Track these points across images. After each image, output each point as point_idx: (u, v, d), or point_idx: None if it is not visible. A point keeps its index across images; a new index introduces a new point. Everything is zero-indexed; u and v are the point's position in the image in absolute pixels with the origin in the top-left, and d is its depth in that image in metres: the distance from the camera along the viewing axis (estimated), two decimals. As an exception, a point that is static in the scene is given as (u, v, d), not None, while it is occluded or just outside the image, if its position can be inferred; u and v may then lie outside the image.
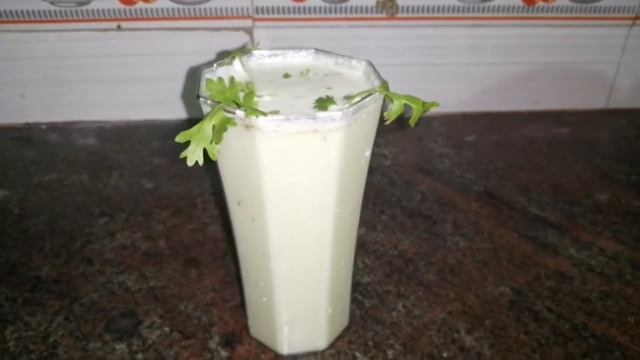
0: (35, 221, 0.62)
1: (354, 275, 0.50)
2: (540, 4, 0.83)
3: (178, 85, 0.83)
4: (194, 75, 0.82)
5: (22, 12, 0.76)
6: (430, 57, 0.85)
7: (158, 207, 0.65)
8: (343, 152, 0.35)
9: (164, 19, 0.78)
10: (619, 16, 0.85)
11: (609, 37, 0.87)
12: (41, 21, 0.77)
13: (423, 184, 0.71)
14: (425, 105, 0.35)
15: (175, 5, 0.77)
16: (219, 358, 0.46)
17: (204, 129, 0.32)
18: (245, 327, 0.49)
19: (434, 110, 0.37)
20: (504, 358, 0.47)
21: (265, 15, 0.79)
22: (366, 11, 0.80)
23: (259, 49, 0.43)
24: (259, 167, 0.35)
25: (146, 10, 0.77)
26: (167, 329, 0.49)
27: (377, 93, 0.35)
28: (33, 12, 0.76)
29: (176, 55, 0.81)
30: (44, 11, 0.76)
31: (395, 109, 0.35)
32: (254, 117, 0.32)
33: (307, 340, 0.46)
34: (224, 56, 0.42)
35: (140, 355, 0.46)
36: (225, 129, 0.32)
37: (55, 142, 0.80)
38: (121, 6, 0.77)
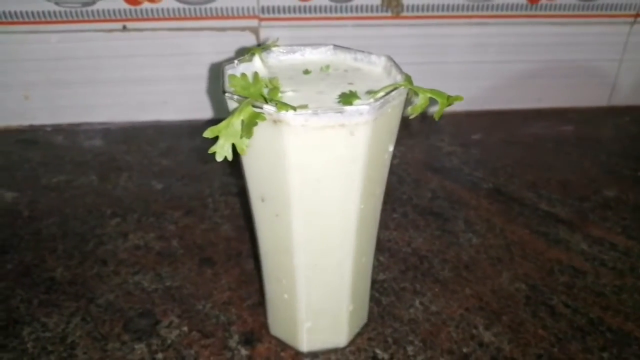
0: (46, 223, 0.62)
1: (371, 272, 0.50)
2: (544, 2, 0.83)
3: (184, 85, 0.83)
4: (200, 76, 0.82)
5: (26, 13, 0.75)
6: (435, 56, 0.85)
7: (169, 208, 0.65)
8: (369, 147, 0.35)
9: (169, 19, 0.78)
10: (621, 14, 0.86)
11: (610, 35, 0.88)
12: (46, 22, 0.76)
13: (432, 182, 0.71)
14: (450, 98, 0.36)
15: (181, 6, 0.77)
16: (240, 357, 0.46)
17: (233, 124, 0.32)
18: (265, 326, 0.49)
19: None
20: (524, 353, 0.47)
21: (271, 15, 0.79)
22: (371, 10, 0.81)
23: (277, 46, 0.43)
24: (286, 161, 0.35)
25: (152, 10, 0.77)
26: (185, 328, 0.49)
27: (402, 87, 0.35)
28: (37, 13, 0.75)
29: (182, 56, 0.81)
30: (49, 12, 0.75)
31: (420, 102, 0.35)
32: (283, 112, 0.32)
33: (327, 338, 0.46)
34: (243, 53, 0.42)
35: (160, 355, 0.46)
36: (255, 124, 0.32)
37: (61, 144, 0.79)
38: (127, 6, 0.76)
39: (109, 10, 0.76)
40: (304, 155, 0.35)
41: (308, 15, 0.79)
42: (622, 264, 0.57)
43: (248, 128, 0.31)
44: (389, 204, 0.66)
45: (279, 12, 0.79)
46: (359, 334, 0.48)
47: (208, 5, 0.77)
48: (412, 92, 0.37)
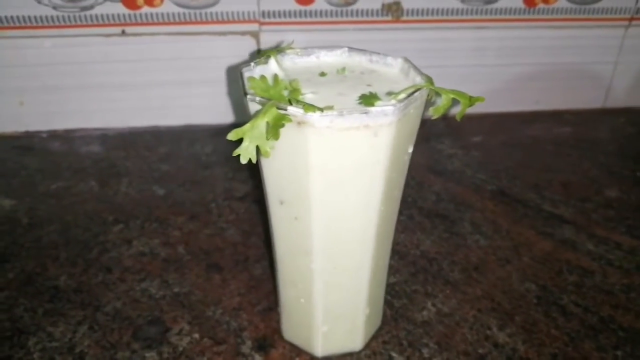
0: (47, 230, 0.61)
1: (383, 275, 0.50)
2: (541, 5, 0.84)
3: (183, 91, 0.82)
4: (200, 81, 0.82)
5: (23, 17, 0.74)
6: (434, 60, 0.85)
7: (172, 214, 0.64)
8: (392, 148, 0.35)
9: (169, 23, 0.77)
10: (616, 17, 0.87)
11: (606, 38, 0.89)
12: (43, 27, 0.75)
13: (436, 185, 0.71)
14: (472, 99, 0.35)
15: (180, 10, 0.76)
16: (254, 363, 0.45)
17: (258, 126, 0.32)
18: (277, 331, 0.48)
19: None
20: (539, 353, 0.47)
21: (272, 19, 0.79)
22: (372, 14, 0.81)
23: (293, 48, 0.43)
24: (309, 164, 0.34)
25: (151, 14, 0.76)
26: (196, 335, 0.48)
27: (425, 88, 0.35)
28: (35, 17, 0.74)
29: (181, 60, 0.80)
30: (46, 17, 0.74)
31: (443, 103, 0.35)
32: (310, 113, 0.31)
33: (343, 342, 0.45)
34: (257, 56, 0.42)
35: (173, 363, 0.45)
36: (282, 125, 0.31)
37: (57, 150, 0.78)
38: (126, 11, 0.75)
39: (107, 15, 0.75)
40: (327, 157, 0.34)
41: (309, 19, 0.79)
42: (628, 263, 0.58)
43: (274, 130, 0.31)
44: (394, 207, 0.66)
45: (279, 16, 0.78)
46: (373, 337, 0.48)
47: (208, 10, 0.77)
48: (433, 93, 0.37)
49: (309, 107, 0.31)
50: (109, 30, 0.76)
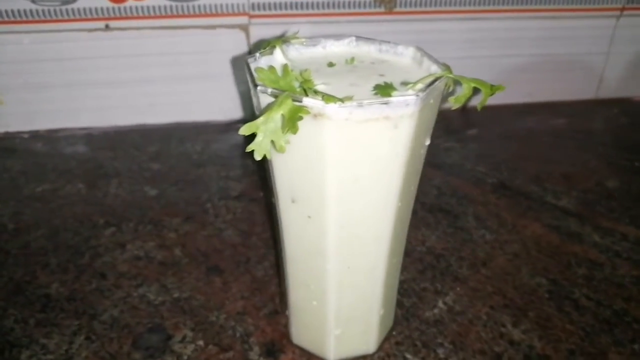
0: (34, 235, 0.57)
1: (393, 273, 0.48)
2: (534, -4, 0.83)
3: (171, 87, 0.79)
4: (188, 77, 0.79)
5: (0, 12, 0.70)
6: (427, 51, 0.84)
7: (167, 215, 0.61)
8: (411, 141, 0.33)
9: (155, 17, 0.74)
10: (607, 7, 0.87)
11: (597, 28, 0.89)
12: (21, 21, 0.71)
13: (436, 179, 0.70)
14: (493, 88, 0.34)
15: (167, 3, 0.73)
16: (264, 369, 0.43)
17: (273, 119, 0.29)
18: (286, 335, 0.46)
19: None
20: (556, 349, 0.45)
21: (262, 12, 0.76)
22: (364, 6, 0.79)
23: (297, 38, 0.40)
24: (325, 159, 0.32)
25: (136, 8, 0.73)
26: (201, 342, 0.45)
27: (444, 76, 0.33)
28: (12, 11, 0.70)
29: (168, 56, 0.77)
30: (24, 11, 0.71)
31: (463, 92, 0.33)
32: (331, 104, 0.29)
33: (357, 345, 0.43)
34: (260, 46, 0.39)
35: (178, 373, 0.43)
36: (300, 118, 0.29)
37: (41, 152, 0.75)
38: (109, 4, 0.72)
39: (90, 9, 0.72)
40: (344, 151, 0.32)
41: (300, 11, 0.77)
42: (636, 254, 0.57)
43: (292, 123, 0.29)
44: (396, 202, 0.64)
45: (269, 8, 0.76)
46: (385, 339, 0.46)
47: (196, 3, 0.74)
48: (451, 82, 0.35)
49: (329, 97, 0.29)
50: (92, 25, 0.73)
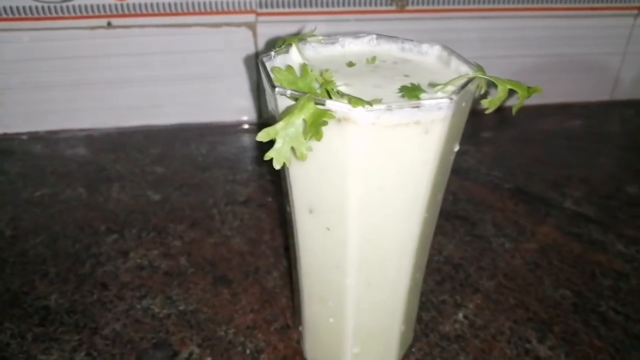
0: (33, 243, 0.55)
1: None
2: (549, -6, 0.81)
3: (175, 87, 0.76)
4: (193, 76, 0.76)
5: (-2, 9, 0.67)
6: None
7: (171, 221, 0.59)
8: (441, 146, 0.30)
9: (159, 14, 0.71)
10: (625, 6, 0.84)
11: (614, 28, 0.86)
12: (20, 19, 0.69)
13: (452, 184, 0.66)
14: (529, 90, 0.31)
15: (171, 0, 0.71)
16: (276, 389, 0.40)
17: (294, 124, 0.27)
18: (299, 351, 0.43)
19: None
20: (585, 367, 0.43)
21: (270, 9, 0.73)
22: (375, 4, 0.76)
23: (315, 35, 0.38)
24: (347, 167, 0.30)
25: (139, 5, 0.70)
26: (209, 359, 0.43)
27: (477, 78, 0.31)
28: (11, 8, 0.68)
29: (172, 55, 0.74)
30: (24, 7, 0.68)
31: (499, 95, 0.31)
32: (360, 107, 0.26)
33: (375, 363, 0.41)
34: (273, 45, 0.37)
35: (185, 393, 0.40)
36: (324, 123, 0.26)
37: (40, 154, 0.72)
38: (112, 1, 0.70)
39: (92, 6, 0.69)
40: (369, 159, 0.30)
41: (309, 9, 0.74)
42: (662, 264, 0.54)
43: (316, 128, 0.26)
44: (410, 208, 0.61)
45: (278, 6, 0.73)
46: (405, 356, 0.43)
47: (201, 0, 0.71)
48: (483, 84, 0.32)
49: (356, 100, 0.26)
50: (93, 23, 0.70)
